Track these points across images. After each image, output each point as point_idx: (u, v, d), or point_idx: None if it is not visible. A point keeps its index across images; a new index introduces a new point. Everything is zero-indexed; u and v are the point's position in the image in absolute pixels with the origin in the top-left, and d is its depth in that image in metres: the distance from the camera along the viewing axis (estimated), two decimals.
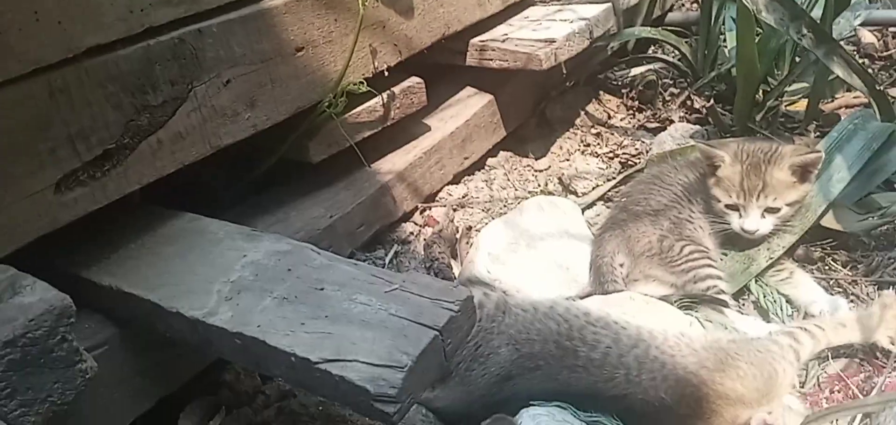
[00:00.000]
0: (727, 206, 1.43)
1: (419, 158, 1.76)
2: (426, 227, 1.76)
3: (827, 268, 1.48)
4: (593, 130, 2.15)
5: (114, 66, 1.09)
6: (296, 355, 0.90)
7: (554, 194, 1.91)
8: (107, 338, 1.06)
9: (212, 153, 1.27)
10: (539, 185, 1.96)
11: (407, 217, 1.78)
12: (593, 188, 1.88)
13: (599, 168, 1.94)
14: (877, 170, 1.53)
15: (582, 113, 2.19)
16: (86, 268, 1.11)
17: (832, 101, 2.06)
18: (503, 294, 1.30)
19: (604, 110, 2.23)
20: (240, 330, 0.96)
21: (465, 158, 1.92)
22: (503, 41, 1.83)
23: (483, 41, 1.85)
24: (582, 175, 1.91)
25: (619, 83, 2.35)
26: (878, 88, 1.71)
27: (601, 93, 2.27)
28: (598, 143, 2.10)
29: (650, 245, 1.49)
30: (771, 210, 1.39)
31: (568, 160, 2.02)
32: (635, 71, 2.39)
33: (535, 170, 2.04)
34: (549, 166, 2.05)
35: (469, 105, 1.93)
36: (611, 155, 2.04)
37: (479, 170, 2.02)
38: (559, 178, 1.96)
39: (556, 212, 1.63)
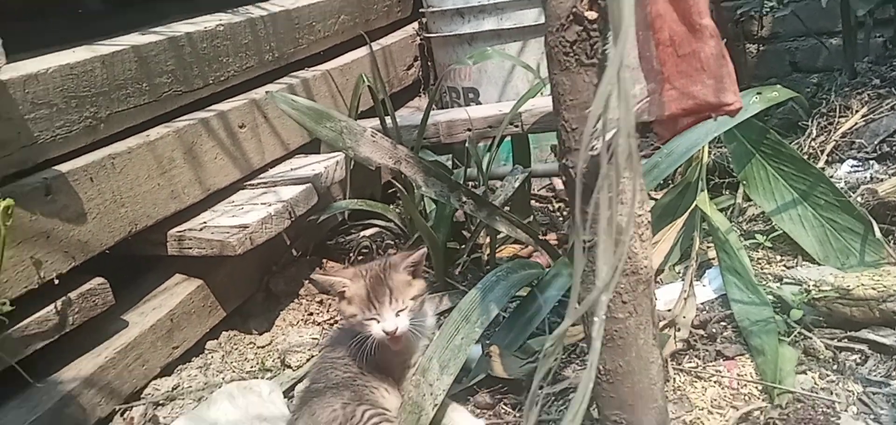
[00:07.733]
0: (365, 320, 1.50)
1: (112, 358, 1.70)
2: None
3: (500, 411, 1.62)
4: (318, 299, 2.22)
5: None
6: None
7: (271, 371, 1.92)
8: None
9: None
10: (258, 364, 1.96)
11: (104, 422, 1.69)
12: (308, 360, 1.92)
13: (313, 338, 2.00)
14: (532, 316, 1.73)
15: (306, 282, 2.26)
16: None
17: (526, 247, 2.32)
18: None
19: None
20: None
21: (175, 348, 1.89)
22: (201, 230, 1.87)
23: (180, 232, 1.88)
24: (295, 348, 1.95)
25: (348, 248, 2.47)
26: (541, 237, 1.97)
27: (325, 260, 2.37)
28: (321, 311, 2.17)
29: (335, 414, 1.52)
30: (401, 310, 1.50)
31: (287, 334, 2.06)
32: (364, 233, 2.54)
33: (258, 347, 2.05)
34: (272, 341, 2.07)
35: (175, 293, 1.92)
36: (332, 322, 2.12)
37: (197, 356, 1.99)
38: (278, 353, 1.98)
39: (251, 398, 1.63)
